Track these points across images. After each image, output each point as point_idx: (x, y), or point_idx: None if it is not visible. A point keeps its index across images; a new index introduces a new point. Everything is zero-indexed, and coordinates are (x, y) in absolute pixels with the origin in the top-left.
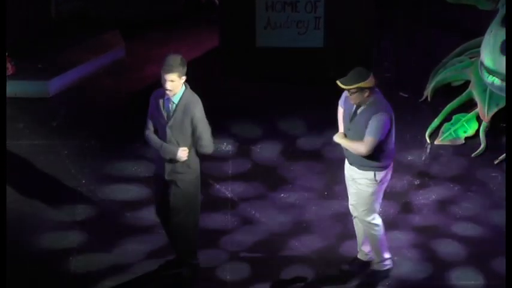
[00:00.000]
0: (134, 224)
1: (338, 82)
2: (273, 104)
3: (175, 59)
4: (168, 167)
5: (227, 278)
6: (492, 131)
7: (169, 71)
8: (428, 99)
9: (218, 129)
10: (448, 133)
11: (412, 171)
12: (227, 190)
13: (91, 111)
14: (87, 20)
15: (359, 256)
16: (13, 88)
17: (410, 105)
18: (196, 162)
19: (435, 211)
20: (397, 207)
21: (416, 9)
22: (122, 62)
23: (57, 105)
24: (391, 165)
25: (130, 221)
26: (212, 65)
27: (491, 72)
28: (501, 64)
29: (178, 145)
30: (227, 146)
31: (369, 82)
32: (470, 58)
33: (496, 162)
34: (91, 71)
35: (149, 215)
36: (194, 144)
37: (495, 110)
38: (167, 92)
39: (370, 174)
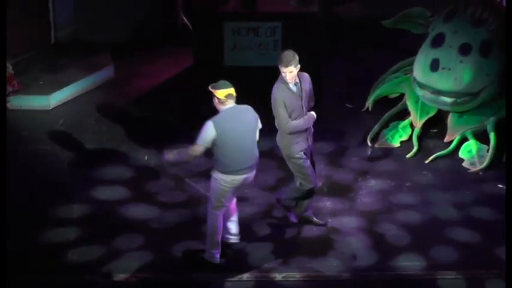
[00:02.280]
0: (122, 220)
1: (290, 60)
2: None
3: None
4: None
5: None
6: (423, 135)
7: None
8: (370, 109)
9: (193, 133)
10: (386, 138)
11: (357, 170)
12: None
13: (85, 121)
14: (81, 43)
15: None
16: (19, 101)
17: (354, 115)
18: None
19: (376, 203)
20: (344, 199)
21: (359, 33)
22: (111, 79)
23: (57, 116)
24: None
25: (119, 218)
26: (187, 80)
27: (422, 86)
28: (431, 79)
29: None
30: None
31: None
32: (405, 74)
33: (426, 162)
34: (85, 87)
35: (136, 212)
36: None
37: (426, 118)
38: (290, 80)
39: None
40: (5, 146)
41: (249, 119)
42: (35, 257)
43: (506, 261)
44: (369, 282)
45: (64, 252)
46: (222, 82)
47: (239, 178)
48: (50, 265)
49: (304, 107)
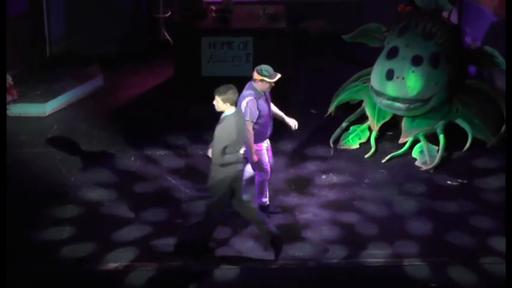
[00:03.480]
0: (111, 219)
1: (276, 75)
2: (215, 119)
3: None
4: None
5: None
6: (380, 138)
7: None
8: (332, 114)
9: (171, 138)
10: (346, 140)
11: (321, 168)
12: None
13: (77, 126)
14: (73, 56)
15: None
16: (17, 109)
17: (318, 119)
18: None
19: (337, 197)
20: (309, 194)
21: (322, 47)
22: (100, 88)
23: (52, 122)
24: None
25: (109, 217)
26: (168, 89)
27: (379, 93)
28: (386, 87)
29: None
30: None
31: None
32: (364, 83)
33: (383, 161)
34: (77, 96)
35: (123, 212)
36: None
37: (382, 122)
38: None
39: None
40: (5, 150)
41: None
42: (34, 251)
43: (506, 262)
44: (331, 268)
45: (58, 246)
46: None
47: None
48: (47, 258)
49: None
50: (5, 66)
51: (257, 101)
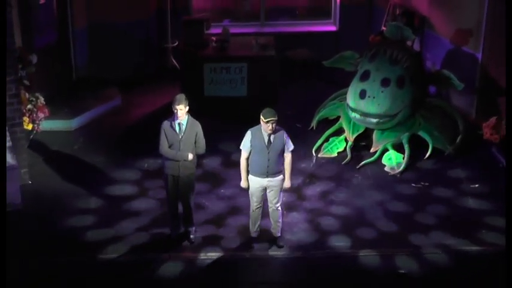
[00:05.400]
0: (128, 210)
1: (263, 118)
2: (215, 132)
3: (181, 96)
4: (181, 166)
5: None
6: (355, 147)
7: (180, 103)
8: (314, 128)
9: None
10: (326, 149)
11: (304, 174)
12: None
13: (99, 139)
14: (95, 80)
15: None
16: (48, 124)
17: (302, 132)
18: (195, 162)
19: (319, 199)
20: (294, 197)
21: (306, 71)
22: (118, 107)
23: (77, 135)
24: None
25: (126, 209)
26: None
27: (353, 110)
28: (360, 105)
29: (187, 151)
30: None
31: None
32: (340, 101)
33: (357, 167)
34: (99, 113)
35: (138, 204)
36: (194, 150)
37: (356, 133)
38: (179, 117)
39: (281, 176)
40: (5, 149)
41: None
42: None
43: (506, 261)
44: (309, 258)
45: (82, 230)
46: (270, 109)
47: None
48: (71, 246)
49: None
50: (5, 76)
51: (251, 136)
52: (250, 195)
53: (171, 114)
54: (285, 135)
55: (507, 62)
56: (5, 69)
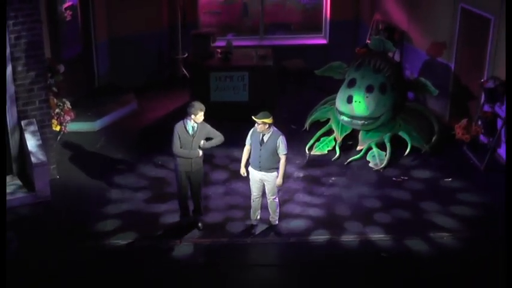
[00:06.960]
0: (145, 201)
1: (253, 117)
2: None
3: (202, 104)
4: (193, 163)
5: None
6: (343, 146)
7: (203, 110)
8: (307, 129)
9: None
10: (318, 148)
11: (298, 169)
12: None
13: (119, 138)
14: (115, 86)
15: (258, 217)
16: (74, 126)
17: (297, 133)
18: (202, 158)
19: (310, 192)
20: (288, 190)
21: (300, 79)
22: (135, 111)
23: (100, 135)
24: None
25: (142, 199)
26: (185, 111)
27: (341, 113)
28: (347, 109)
29: (197, 149)
30: None
31: (270, 120)
32: (330, 105)
33: (345, 163)
34: (118, 116)
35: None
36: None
37: (344, 134)
38: (198, 120)
39: (275, 173)
40: (5, 150)
41: None
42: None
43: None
44: (302, 244)
45: (105, 235)
46: (265, 112)
47: None
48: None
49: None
50: (5, 79)
51: (251, 133)
52: (250, 187)
53: (182, 117)
54: (281, 139)
55: (507, 62)
56: (5, 71)
